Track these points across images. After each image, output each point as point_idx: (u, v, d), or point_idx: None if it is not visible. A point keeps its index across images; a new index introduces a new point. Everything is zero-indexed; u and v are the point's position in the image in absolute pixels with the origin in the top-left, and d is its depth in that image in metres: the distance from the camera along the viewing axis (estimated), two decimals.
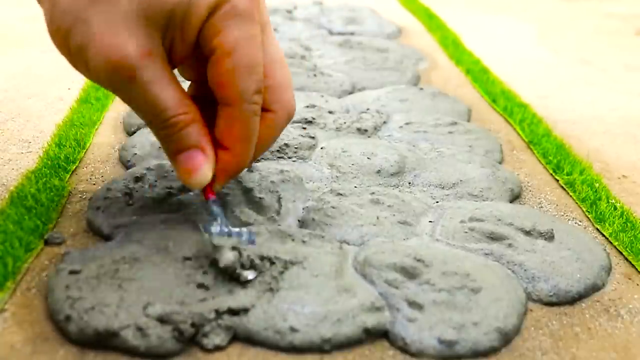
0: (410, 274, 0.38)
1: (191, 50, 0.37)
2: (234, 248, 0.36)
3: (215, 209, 0.38)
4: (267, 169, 0.49)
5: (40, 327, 0.34)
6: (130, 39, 0.34)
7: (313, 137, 0.55)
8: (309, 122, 0.59)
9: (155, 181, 0.46)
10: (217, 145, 0.38)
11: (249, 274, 0.36)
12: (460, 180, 0.50)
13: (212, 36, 0.35)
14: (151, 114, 0.36)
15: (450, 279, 0.37)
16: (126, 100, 0.37)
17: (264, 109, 0.39)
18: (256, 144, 0.39)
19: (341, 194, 0.46)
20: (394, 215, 0.44)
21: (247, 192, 0.45)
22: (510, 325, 0.35)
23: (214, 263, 0.36)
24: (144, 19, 0.34)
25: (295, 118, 0.60)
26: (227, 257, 0.36)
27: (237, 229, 0.37)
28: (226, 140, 0.38)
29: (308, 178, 0.50)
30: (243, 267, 0.36)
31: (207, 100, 0.39)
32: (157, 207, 0.43)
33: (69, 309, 0.33)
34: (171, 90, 0.36)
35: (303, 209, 0.45)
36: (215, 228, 0.37)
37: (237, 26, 0.35)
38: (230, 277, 0.35)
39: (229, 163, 0.38)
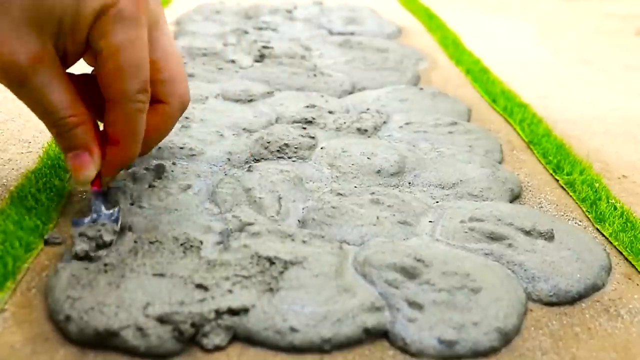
0: (410, 274, 0.38)
1: (83, 49, 0.39)
2: (89, 234, 0.39)
3: (93, 198, 0.41)
4: (267, 169, 0.49)
5: (40, 327, 0.34)
6: (21, 46, 0.36)
7: (313, 137, 0.55)
8: (309, 122, 0.59)
9: (154, 180, 0.46)
10: (106, 139, 0.41)
11: (108, 238, 0.39)
12: (460, 180, 0.50)
13: (98, 38, 0.38)
14: (42, 114, 0.39)
15: (450, 279, 0.37)
16: (22, 100, 0.39)
17: (159, 101, 0.43)
18: (151, 134, 0.43)
19: (341, 194, 0.47)
20: (394, 215, 0.44)
21: (247, 191, 0.45)
22: (511, 325, 0.35)
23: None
24: (35, 26, 0.37)
25: (295, 118, 0.60)
26: (80, 247, 0.38)
27: (108, 212, 0.41)
28: (112, 135, 0.41)
29: (308, 178, 0.50)
30: (99, 247, 0.39)
31: None
32: (156, 206, 0.43)
33: (69, 309, 0.33)
34: (61, 93, 0.38)
35: (303, 208, 0.45)
36: (88, 219, 0.41)
37: (122, 30, 0.38)
38: (90, 259, 0.38)
39: (116, 156, 0.41)
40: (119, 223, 0.41)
